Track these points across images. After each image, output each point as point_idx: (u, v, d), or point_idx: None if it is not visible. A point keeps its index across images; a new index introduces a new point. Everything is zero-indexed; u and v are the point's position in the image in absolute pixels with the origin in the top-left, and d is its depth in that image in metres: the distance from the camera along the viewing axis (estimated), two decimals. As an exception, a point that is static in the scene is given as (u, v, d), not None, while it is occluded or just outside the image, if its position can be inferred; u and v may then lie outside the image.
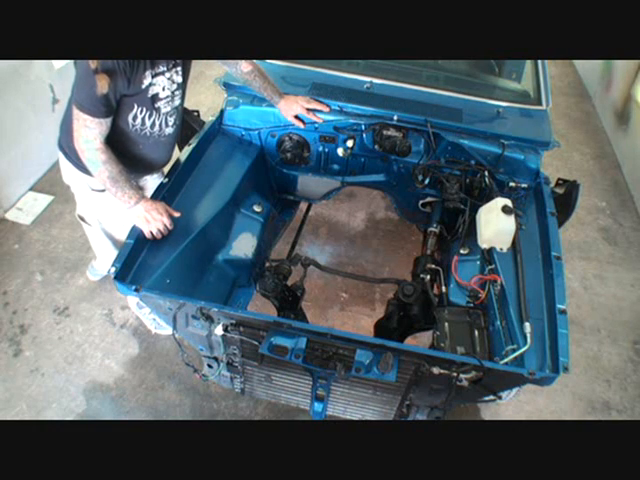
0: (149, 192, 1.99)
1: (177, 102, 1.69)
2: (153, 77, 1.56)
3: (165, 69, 1.59)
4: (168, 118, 1.68)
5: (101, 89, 1.42)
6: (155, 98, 1.60)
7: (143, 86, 1.54)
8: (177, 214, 1.66)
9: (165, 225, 1.61)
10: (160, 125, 1.67)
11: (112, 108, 1.52)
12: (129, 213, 1.60)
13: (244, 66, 1.87)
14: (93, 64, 1.38)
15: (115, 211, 1.84)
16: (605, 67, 4.14)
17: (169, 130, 1.73)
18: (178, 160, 1.82)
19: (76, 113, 1.49)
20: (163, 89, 1.61)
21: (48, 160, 3.00)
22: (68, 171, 1.76)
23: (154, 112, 1.62)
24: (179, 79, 1.65)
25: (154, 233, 1.60)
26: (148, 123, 1.63)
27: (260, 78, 1.91)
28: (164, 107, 1.65)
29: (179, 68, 1.63)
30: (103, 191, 1.76)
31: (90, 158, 1.54)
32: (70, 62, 1.62)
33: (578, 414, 2.20)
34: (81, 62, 1.41)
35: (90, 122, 1.48)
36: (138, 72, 1.50)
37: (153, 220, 1.58)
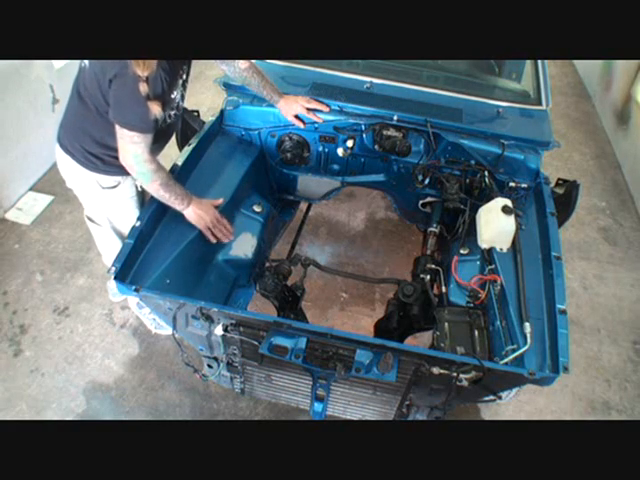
0: None
1: (178, 98, 1.70)
2: (178, 87, 1.60)
3: (183, 73, 1.62)
4: (170, 112, 1.69)
5: (155, 113, 1.47)
6: (172, 102, 1.63)
7: (173, 96, 1.58)
8: (220, 201, 1.77)
9: (218, 219, 1.72)
10: (165, 119, 1.68)
11: (157, 119, 1.55)
12: (185, 215, 1.67)
13: (242, 63, 1.87)
14: (143, 90, 1.40)
15: (125, 207, 1.85)
16: (605, 67, 4.14)
17: (171, 120, 1.74)
18: (178, 160, 1.82)
19: (121, 132, 1.50)
20: (177, 93, 1.64)
21: (48, 160, 3.00)
22: (74, 172, 1.75)
23: (164, 111, 1.64)
24: (184, 76, 1.67)
25: (216, 234, 1.73)
26: None
27: (258, 76, 1.91)
28: (173, 104, 1.66)
29: (185, 67, 1.65)
30: (114, 187, 1.77)
31: (140, 171, 1.57)
32: (70, 62, 1.63)
33: (578, 414, 2.20)
34: (124, 83, 1.42)
35: (137, 137, 1.51)
36: (172, 88, 1.55)
37: (208, 218, 1.69)
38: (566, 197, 1.99)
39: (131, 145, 1.52)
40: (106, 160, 1.68)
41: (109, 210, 1.87)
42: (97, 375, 2.20)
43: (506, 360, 1.43)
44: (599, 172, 3.59)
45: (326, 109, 1.99)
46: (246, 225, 1.92)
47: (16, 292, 2.48)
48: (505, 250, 1.72)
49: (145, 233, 1.59)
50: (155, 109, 1.46)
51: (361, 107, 2.02)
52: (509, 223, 1.69)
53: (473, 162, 2.00)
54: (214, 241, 1.75)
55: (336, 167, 2.26)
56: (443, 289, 1.80)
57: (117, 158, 1.68)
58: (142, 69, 1.37)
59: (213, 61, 1.90)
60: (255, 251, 1.89)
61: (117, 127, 1.51)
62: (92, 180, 1.74)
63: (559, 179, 2.07)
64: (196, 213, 1.67)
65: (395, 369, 1.36)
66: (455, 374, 1.34)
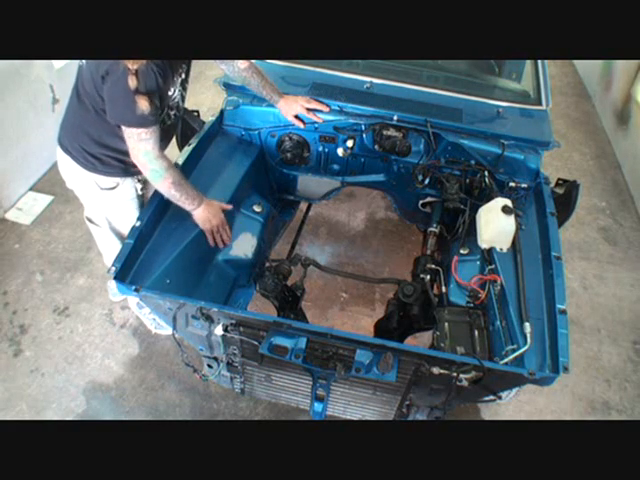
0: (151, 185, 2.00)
1: (178, 98, 1.70)
2: (177, 84, 1.59)
3: (182, 72, 1.62)
4: (169, 112, 1.70)
5: (142, 108, 1.43)
6: (168, 99, 1.62)
7: (170, 93, 1.57)
8: (229, 207, 1.77)
9: (223, 225, 1.73)
10: (164, 119, 1.68)
11: (159, 112, 1.53)
12: (194, 215, 1.66)
13: (241, 62, 1.87)
14: (132, 83, 1.38)
15: (124, 208, 1.85)
16: (605, 67, 4.14)
17: (170, 121, 1.74)
18: (178, 160, 1.82)
19: (128, 132, 1.50)
20: (175, 91, 1.64)
21: (48, 160, 3.00)
22: (74, 173, 1.75)
23: (162, 111, 1.64)
24: (183, 75, 1.68)
25: (216, 239, 1.72)
26: None
27: (258, 76, 1.91)
28: (171, 103, 1.66)
29: (184, 65, 1.65)
30: (113, 189, 1.76)
31: (153, 169, 1.55)
32: (70, 62, 1.63)
33: (578, 414, 2.20)
34: (116, 81, 1.40)
35: (144, 134, 1.49)
36: (168, 84, 1.53)
37: (215, 222, 1.70)
38: (566, 197, 1.99)
39: (140, 143, 1.51)
40: (105, 160, 1.68)
41: (108, 211, 1.87)
42: (97, 375, 2.20)
43: (506, 360, 1.43)
44: (599, 172, 3.59)
45: (326, 109, 1.99)
46: (246, 225, 1.92)
47: (16, 292, 2.48)
48: (505, 250, 1.72)
49: (145, 233, 1.59)
50: (142, 104, 1.42)
51: (361, 107, 2.02)
52: (509, 223, 1.69)
53: (473, 162, 2.00)
54: (213, 245, 1.75)
55: (336, 167, 2.26)
56: (443, 289, 1.80)
57: (115, 159, 1.69)
58: (132, 62, 1.36)
59: (213, 61, 1.90)
60: (255, 251, 1.89)
61: (122, 128, 1.50)
62: (91, 181, 1.74)
63: (559, 179, 2.07)
64: (205, 215, 1.67)
65: (395, 369, 1.36)
66: (455, 374, 1.34)
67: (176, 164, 1.78)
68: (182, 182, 1.60)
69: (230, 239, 1.80)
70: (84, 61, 1.54)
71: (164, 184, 1.58)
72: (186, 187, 1.61)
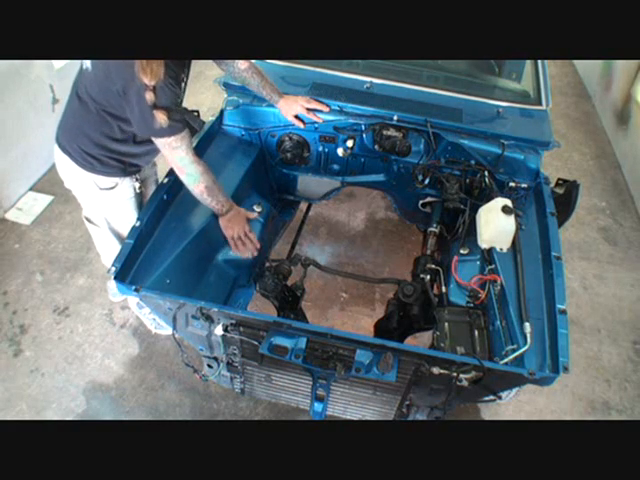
0: (147, 183, 2.00)
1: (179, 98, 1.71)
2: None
3: (184, 76, 1.62)
4: None
5: (160, 122, 1.46)
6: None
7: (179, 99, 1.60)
8: (254, 215, 1.84)
9: (246, 233, 1.76)
10: None
11: (184, 118, 1.56)
12: (220, 220, 1.71)
13: (241, 63, 1.87)
14: (150, 99, 1.41)
15: (122, 208, 1.85)
16: (605, 67, 4.14)
17: None
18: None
19: (159, 142, 1.54)
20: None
21: (48, 160, 3.00)
22: (72, 173, 1.75)
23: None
24: (185, 79, 1.67)
25: (238, 247, 1.75)
26: None
27: (258, 76, 1.91)
28: None
29: (186, 69, 1.65)
30: (112, 189, 1.77)
31: (189, 173, 1.59)
32: (70, 62, 1.63)
33: (578, 414, 2.20)
34: (138, 100, 1.42)
35: (175, 141, 1.52)
36: (182, 89, 1.56)
37: (238, 230, 1.73)
38: (566, 197, 1.99)
39: (173, 151, 1.54)
40: (104, 161, 1.68)
41: (107, 211, 1.87)
42: (97, 375, 2.20)
43: (506, 360, 1.43)
44: (599, 172, 3.59)
45: (326, 109, 1.99)
46: None
47: (16, 292, 2.48)
48: (505, 250, 1.72)
49: (145, 233, 1.59)
50: (161, 118, 1.46)
51: (361, 107, 2.02)
52: (509, 223, 1.69)
53: (473, 162, 2.00)
54: (235, 252, 1.78)
55: (336, 167, 2.26)
56: (443, 289, 1.80)
57: (115, 159, 1.69)
58: (149, 78, 1.37)
59: (212, 61, 1.90)
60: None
61: (154, 140, 1.54)
62: (89, 181, 1.74)
63: (559, 179, 2.07)
64: (229, 221, 1.71)
65: (395, 369, 1.36)
66: (455, 374, 1.34)
67: None
68: (214, 187, 1.64)
69: (256, 249, 1.81)
70: (87, 64, 1.53)
71: (198, 188, 1.62)
72: (217, 192, 1.66)
